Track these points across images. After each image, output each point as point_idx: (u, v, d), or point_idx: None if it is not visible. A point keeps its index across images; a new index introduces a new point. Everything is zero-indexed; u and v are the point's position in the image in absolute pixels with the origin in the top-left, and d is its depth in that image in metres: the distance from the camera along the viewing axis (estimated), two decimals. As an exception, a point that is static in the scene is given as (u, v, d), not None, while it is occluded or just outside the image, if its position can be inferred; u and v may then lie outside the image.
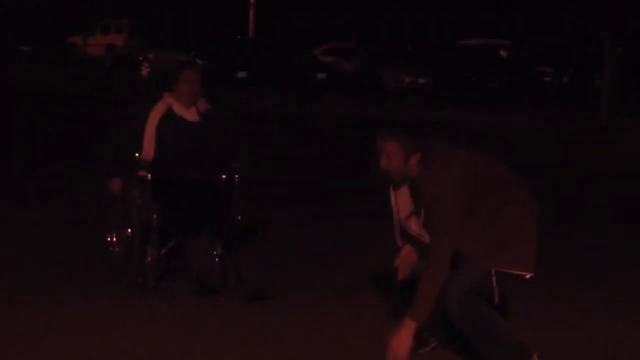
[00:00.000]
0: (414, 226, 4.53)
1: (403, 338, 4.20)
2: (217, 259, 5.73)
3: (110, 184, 5.89)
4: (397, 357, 4.22)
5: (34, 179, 9.85)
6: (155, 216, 5.73)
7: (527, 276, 4.34)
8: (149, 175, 5.79)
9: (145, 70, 28.96)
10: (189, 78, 5.87)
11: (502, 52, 28.80)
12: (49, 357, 4.73)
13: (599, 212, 9.39)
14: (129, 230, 5.95)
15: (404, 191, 4.54)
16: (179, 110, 5.88)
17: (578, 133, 17.33)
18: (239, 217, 5.84)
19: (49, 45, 40.43)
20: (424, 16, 38.92)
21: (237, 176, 5.93)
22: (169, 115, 5.87)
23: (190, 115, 5.91)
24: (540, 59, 28.68)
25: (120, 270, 5.98)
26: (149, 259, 5.75)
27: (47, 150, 12.11)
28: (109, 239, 6.15)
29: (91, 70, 28.76)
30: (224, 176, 5.94)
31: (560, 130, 17.69)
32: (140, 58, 29.61)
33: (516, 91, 25.96)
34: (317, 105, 20.45)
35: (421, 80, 28.04)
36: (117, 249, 6.09)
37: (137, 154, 5.84)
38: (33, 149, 12.27)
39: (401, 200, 4.57)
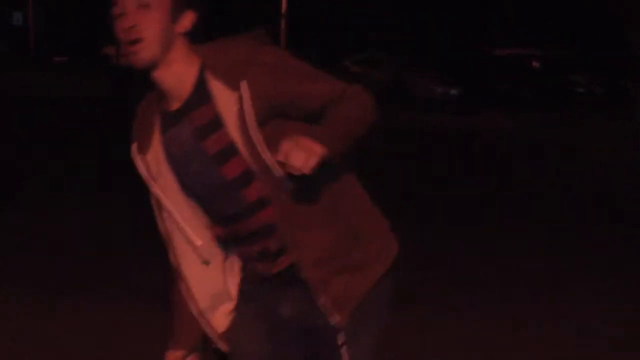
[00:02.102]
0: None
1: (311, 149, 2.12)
2: None
3: None
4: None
5: (39, 182, 9.91)
6: None
7: None
8: None
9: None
10: None
11: (534, 63, 28.64)
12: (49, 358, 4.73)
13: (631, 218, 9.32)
14: None
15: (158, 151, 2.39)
16: None
17: (607, 140, 17.19)
18: None
19: (83, 56, 40.88)
20: (455, 26, 38.89)
21: None
22: None
23: None
24: (573, 69, 28.51)
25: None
26: None
27: (62, 158, 12.19)
28: None
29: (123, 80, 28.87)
30: None
31: (590, 137, 17.56)
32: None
33: (548, 101, 25.81)
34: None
35: (453, 91, 27.93)
36: None
37: None
38: (52, 156, 12.36)
39: (167, 179, 2.39)
